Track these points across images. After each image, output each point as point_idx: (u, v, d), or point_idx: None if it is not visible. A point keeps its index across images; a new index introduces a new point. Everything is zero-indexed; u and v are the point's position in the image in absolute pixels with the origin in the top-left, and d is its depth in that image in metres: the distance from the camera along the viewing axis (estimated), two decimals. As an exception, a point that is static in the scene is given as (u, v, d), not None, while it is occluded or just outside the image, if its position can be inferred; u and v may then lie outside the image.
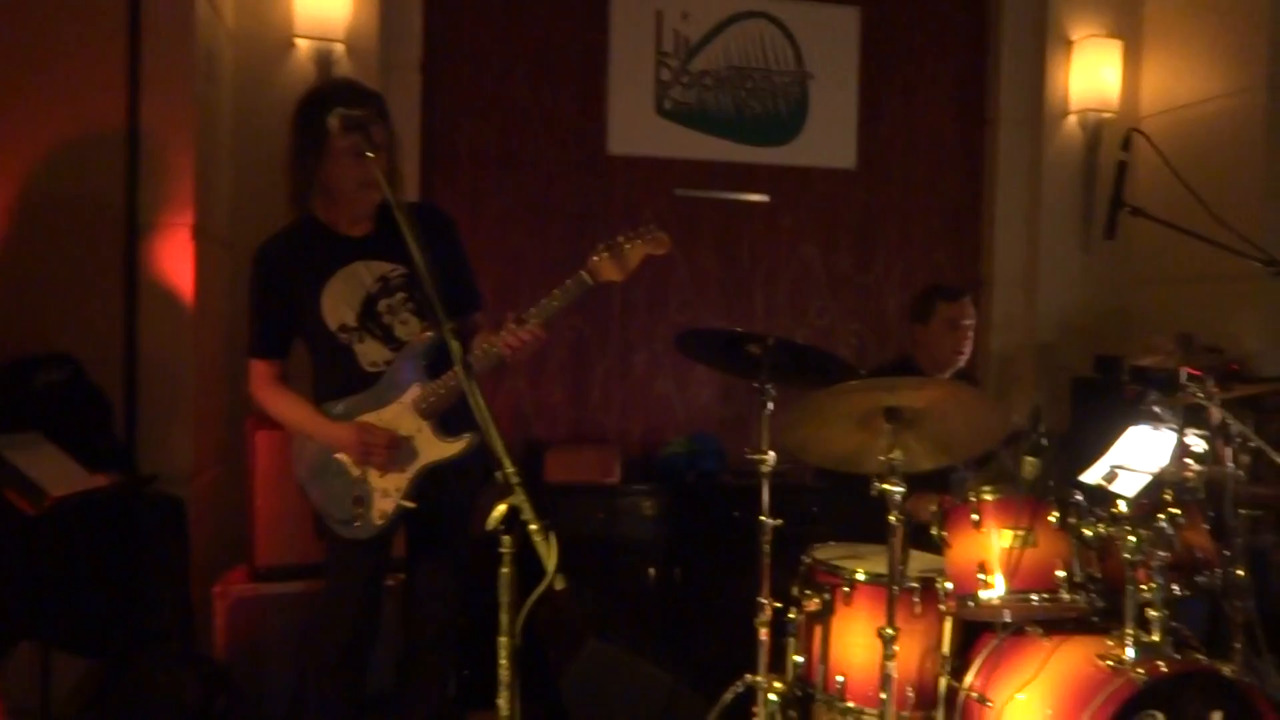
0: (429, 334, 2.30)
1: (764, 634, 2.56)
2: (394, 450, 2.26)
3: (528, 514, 1.68)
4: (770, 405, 2.58)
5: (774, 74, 4.38)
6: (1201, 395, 2.55)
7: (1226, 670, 2.22)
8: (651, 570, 3.65)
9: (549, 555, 1.67)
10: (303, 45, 3.71)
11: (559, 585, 1.67)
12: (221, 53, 3.54)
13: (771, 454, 2.57)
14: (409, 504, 2.28)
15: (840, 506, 2.90)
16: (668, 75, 4.29)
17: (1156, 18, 4.46)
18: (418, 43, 3.97)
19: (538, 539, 1.68)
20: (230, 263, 3.53)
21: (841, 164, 4.43)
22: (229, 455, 3.43)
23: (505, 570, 1.74)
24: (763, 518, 2.56)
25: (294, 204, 2.30)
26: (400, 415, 2.29)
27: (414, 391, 2.30)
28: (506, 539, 1.73)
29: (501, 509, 1.71)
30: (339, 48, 3.72)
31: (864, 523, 2.55)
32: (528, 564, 1.73)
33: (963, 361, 3.24)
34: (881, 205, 4.46)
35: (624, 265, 2.32)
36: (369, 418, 2.29)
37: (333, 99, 2.22)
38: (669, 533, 3.71)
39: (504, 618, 1.75)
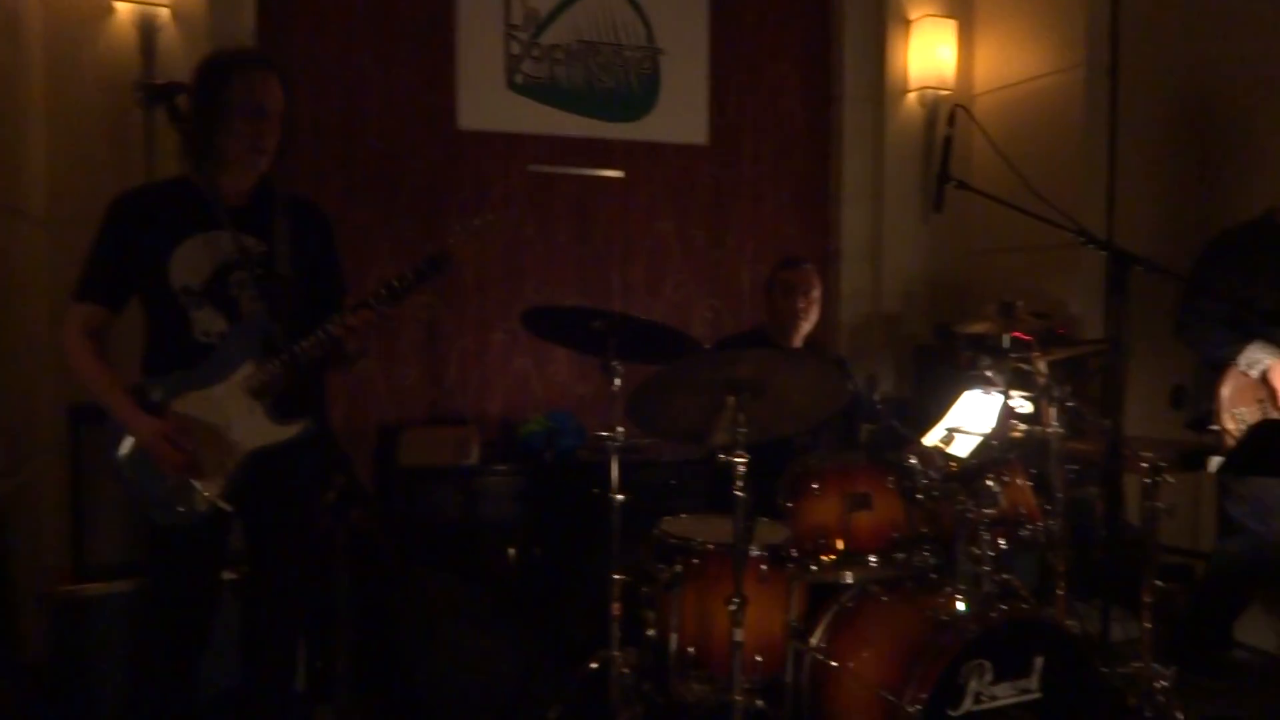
0: (260, 310, 2.19)
1: (616, 609, 2.58)
2: (195, 458, 2.14)
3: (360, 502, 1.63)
4: (618, 381, 2.58)
5: (625, 49, 4.36)
6: (1023, 360, 2.69)
7: (1047, 617, 2.36)
8: (512, 550, 3.62)
9: (381, 544, 1.63)
10: (122, 10, 3.47)
11: (393, 573, 1.63)
12: (28, 14, 3.28)
13: (620, 430, 2.58)
14: (225, 505, 2.16)
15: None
16: (518, 49, 4.22)
17: (988, -1, 4.66)
18: (251, 10, 3.77)
19: (369, 528, 1.64)
20: (47, 242, 3.29)
21: (694, 139, 4.46)
22: (53, 449, 3.21)
23: (338, 561, 1.69)
24: (612, 494, 2.57)
25: (183, 162, 2.22)
26: (229, 394, 2.18)
27: (246, 369, 2.19)
28: (341, 528, 1.68)
29: (331, 498, 1.65)
30: (163, 13, 3.50)
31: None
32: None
33: (806, 327, 3.34)
34: (733, 180, 4.53)
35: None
36: (195, 395, 2.17)
37: (235, 61, 2.17)
38: (529, 512, 3.69)
39: (339, 609, 1.70)
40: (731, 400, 2.40)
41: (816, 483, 2.48)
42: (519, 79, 4.22)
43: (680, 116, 4.44)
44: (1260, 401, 3.24)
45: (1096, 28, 4.28)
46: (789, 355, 2.68)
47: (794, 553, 2.50)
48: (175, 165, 2.33)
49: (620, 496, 2.58)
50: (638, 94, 4.39)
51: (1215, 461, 2.96)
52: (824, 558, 2.44)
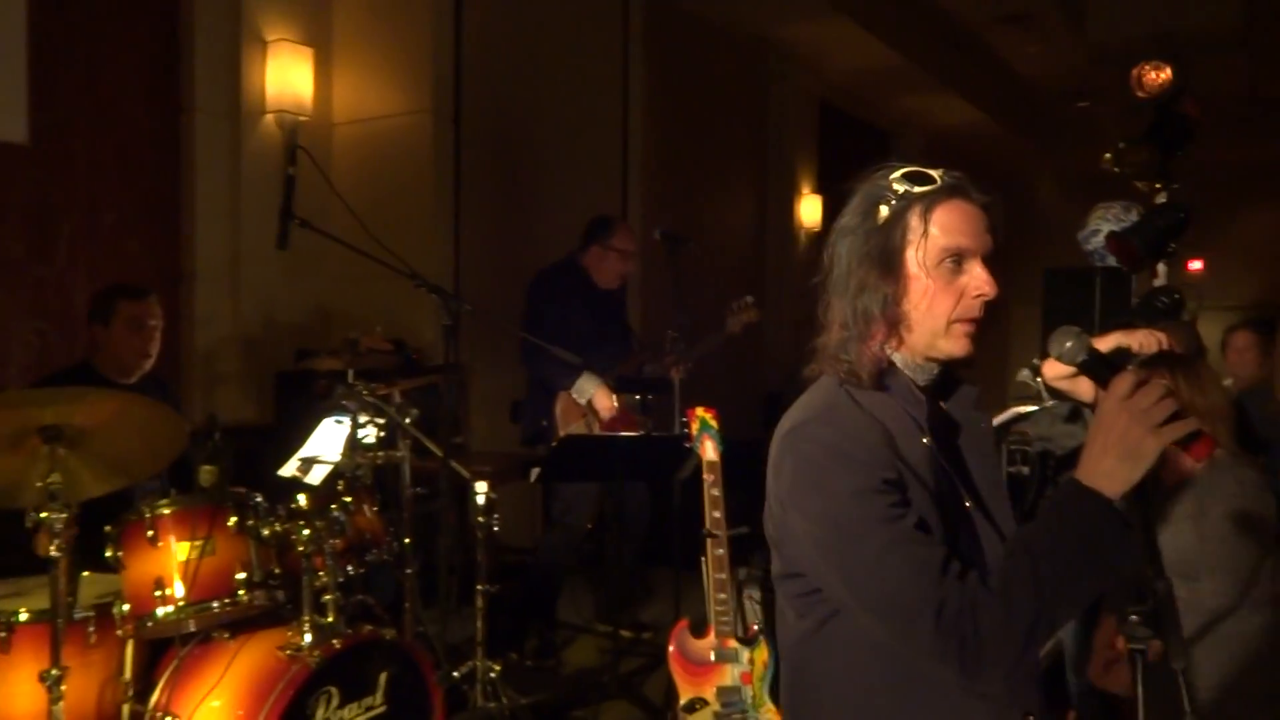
0: None
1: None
2: None
3: None
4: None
5: (-90, 20, 3.61)
6: (368, 392, 2.84)
7: (388, 635, 2.52)
8: None
9: None
10: None
11: None
12: None
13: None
14: None
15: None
16: None
17: (343, 32, 4.81)
18: None
19: None
20: None
21: (10, 137, 3.85)
22: None
23: None
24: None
25: None
26: None
27: None
28: None
29: None
30: None
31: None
32: None
33: (149, 364, 3.10)
34: (64, 188, 4.01)
35: None
36: None
37: None
38: None
39: None
40: (45, 450, 2.15)
41: (151, 530, 2.32)
42: None
43: (-10, 109, 3.81)
44: (584, 417, 3.84)
45: (441, 74, 4.69)
46: (122, 398, 2.45)
47: (126, 608, 2.31)
48: None
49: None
50: (-71, 77, 3.66)
51: (535, 472, 3.44)
52: (159, 610, 2.29)
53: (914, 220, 1.31)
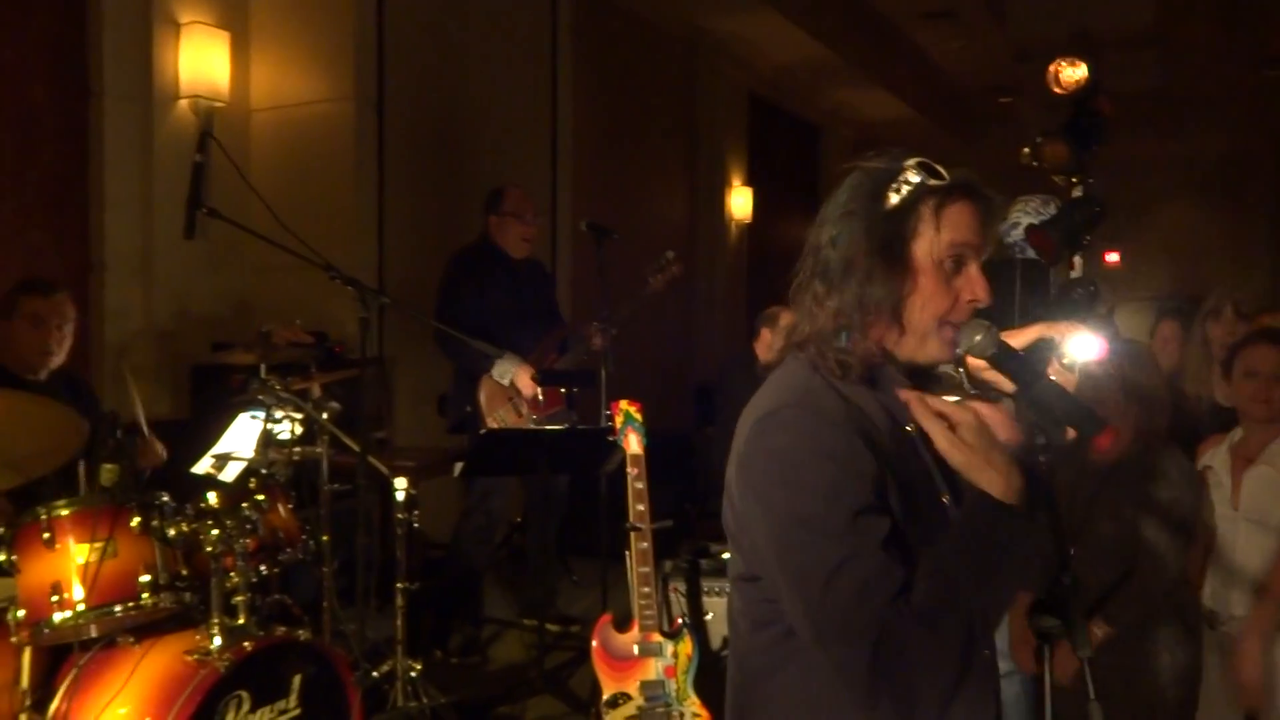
0: None
1: None
2: None
3: None
4: None
5: None
6: (282, 387, 2.75)
7: (301, 636, 2.45)
8: None
9: None
10: None
11: None
12: None
13: None
14: None
15: None
16: None
17: (262, 15, 4.65)
18: None
19: None
20: None
21: (-101, 121, 3.67)
22: None
23: None
24: None
25: None
26: None
27: None
28: None
29: None
30: None
31: None
32: None
33: (55, 362, 2.97)
34: (-41, 175, 3.83)
35: None
36: None
37: None
38: None
39: None
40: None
41: (47, 532, 2.22)
42: None
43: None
44: (511, 400, 3.79)
45: (364, 61, 4.58)
46: (9, 398, 2.34)
47: (22, 614, 2.21)
48: None
49: None
50: None
51: (458, 466, 3.38)
52: (56, 615, 2.20)
53: (926, 213, 1.24)
